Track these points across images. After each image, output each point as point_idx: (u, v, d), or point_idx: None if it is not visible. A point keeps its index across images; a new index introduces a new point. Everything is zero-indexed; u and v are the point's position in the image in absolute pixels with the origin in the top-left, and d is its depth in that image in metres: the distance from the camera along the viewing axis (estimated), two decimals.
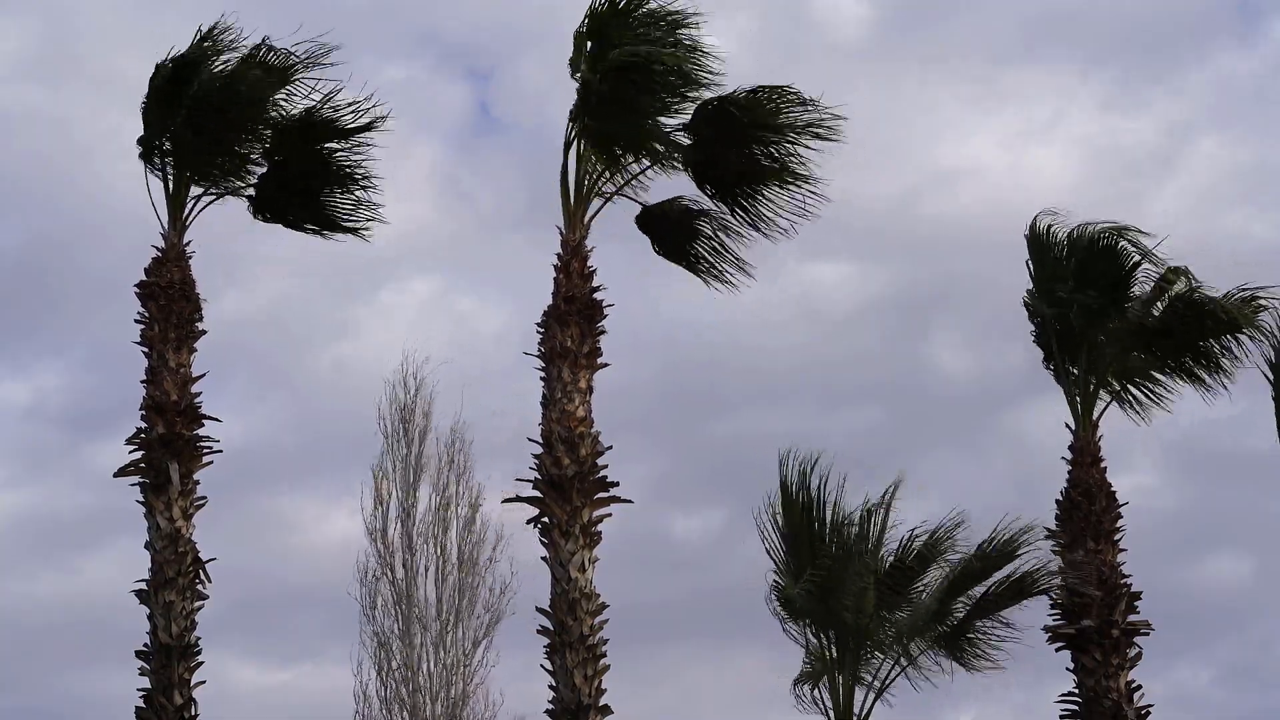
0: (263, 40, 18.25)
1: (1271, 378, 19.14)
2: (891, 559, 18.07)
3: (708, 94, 18.06)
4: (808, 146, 18.27)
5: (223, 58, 18.33)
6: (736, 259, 19.19)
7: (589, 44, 18.02)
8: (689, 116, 18.24)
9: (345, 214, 19.55)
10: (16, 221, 44.01)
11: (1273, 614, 38.22)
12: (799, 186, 18.60)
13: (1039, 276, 19.87)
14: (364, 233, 19.63)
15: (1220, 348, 19.68)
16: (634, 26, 18.02)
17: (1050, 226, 19.81)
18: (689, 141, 18.37)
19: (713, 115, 18.10)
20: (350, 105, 18.66)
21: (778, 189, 18.66)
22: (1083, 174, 43.82)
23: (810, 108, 17.93)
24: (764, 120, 18.11)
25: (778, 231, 18.89)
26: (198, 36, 18.13)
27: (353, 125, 18.84)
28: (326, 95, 18.59)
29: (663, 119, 18.31)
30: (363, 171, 19.23)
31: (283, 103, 18.77)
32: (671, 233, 19.19)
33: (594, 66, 17.86)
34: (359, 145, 19.01)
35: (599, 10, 17.99)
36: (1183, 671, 35.36)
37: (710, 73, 17.96)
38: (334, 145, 19.06)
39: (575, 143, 18.09)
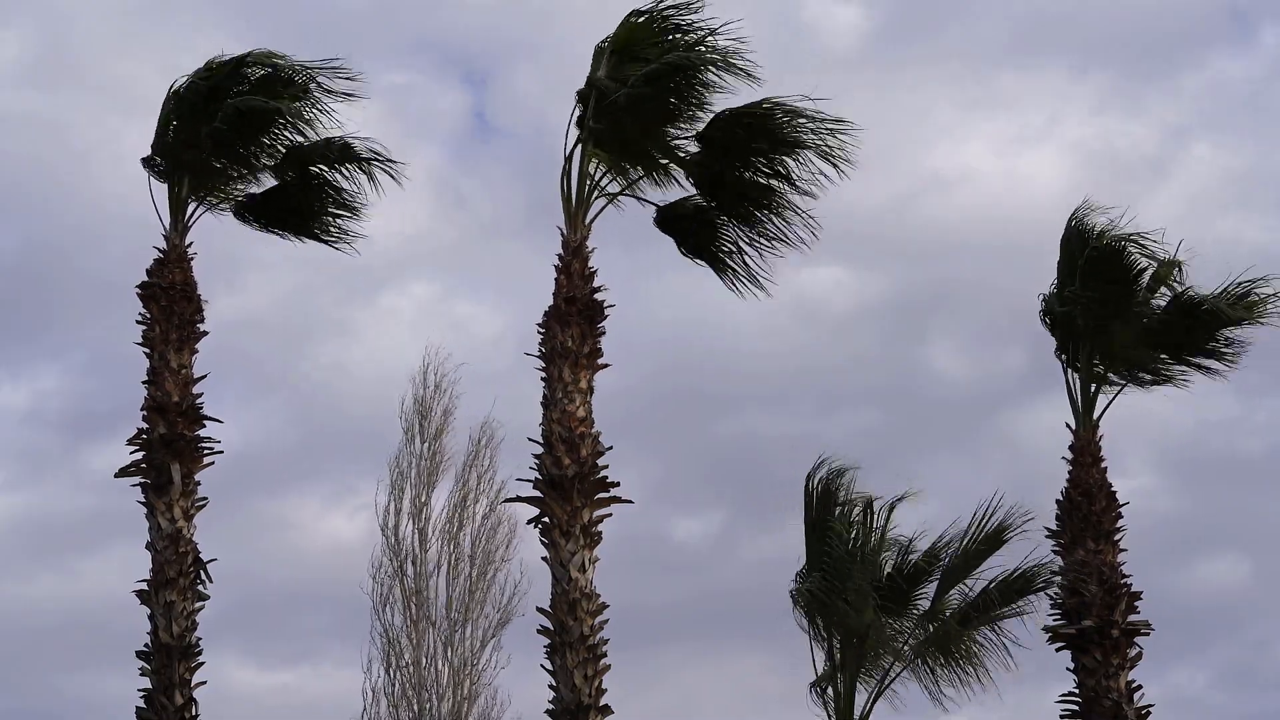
0: (290, 65, 18.45)
1: None
2: (889, 567, 18.12)
3: (723, 104, 18.17)
4: (815, 165, 18.32)
5: (252, 74, 18.48)
6: (755, 262, 19.05)
7: (612, 55, 18.17)
8: (701, 126, 18.32)
9: (327, 232, 19.67)
10: (15, 226, 44.12)
11: (1269, 616, 38.38)
12: (800, 208, 18.68)
13: (1064, 272, 19.85)
14: (341, 246, 19.73)
15: (1219, 345, 19.77)
16: (660, 44, 18.15)
17: (1076, 223, 19.73)
18: (698, 152, 18.46)
19: (725, 126, 18.16)
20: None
21: (781, 207, 18.67)
22: (1077, 178, 43.96)
23: (820, 125, 17.96)
24: (774, 137, 18.15)
25: (778, 249, 18.91)
26: (229, 58, 18.31)
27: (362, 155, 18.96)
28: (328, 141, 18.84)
29: (676, 129, 18.43)
30: (355, 201, 19.39)
31: (297, 117, 18.83)
32: (694, 232, 19.10)
33: (617, 74, 18.02)
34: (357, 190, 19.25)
35: (631, 23, 18.13)
36: (1180, 674, 35.45)
37: (748, 75, 17.90)
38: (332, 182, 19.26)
39: (580, 145, 18.15)
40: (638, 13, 18.17)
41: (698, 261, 19.18)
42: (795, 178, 18.39)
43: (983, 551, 18.29)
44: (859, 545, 18.52)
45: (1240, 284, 19.35)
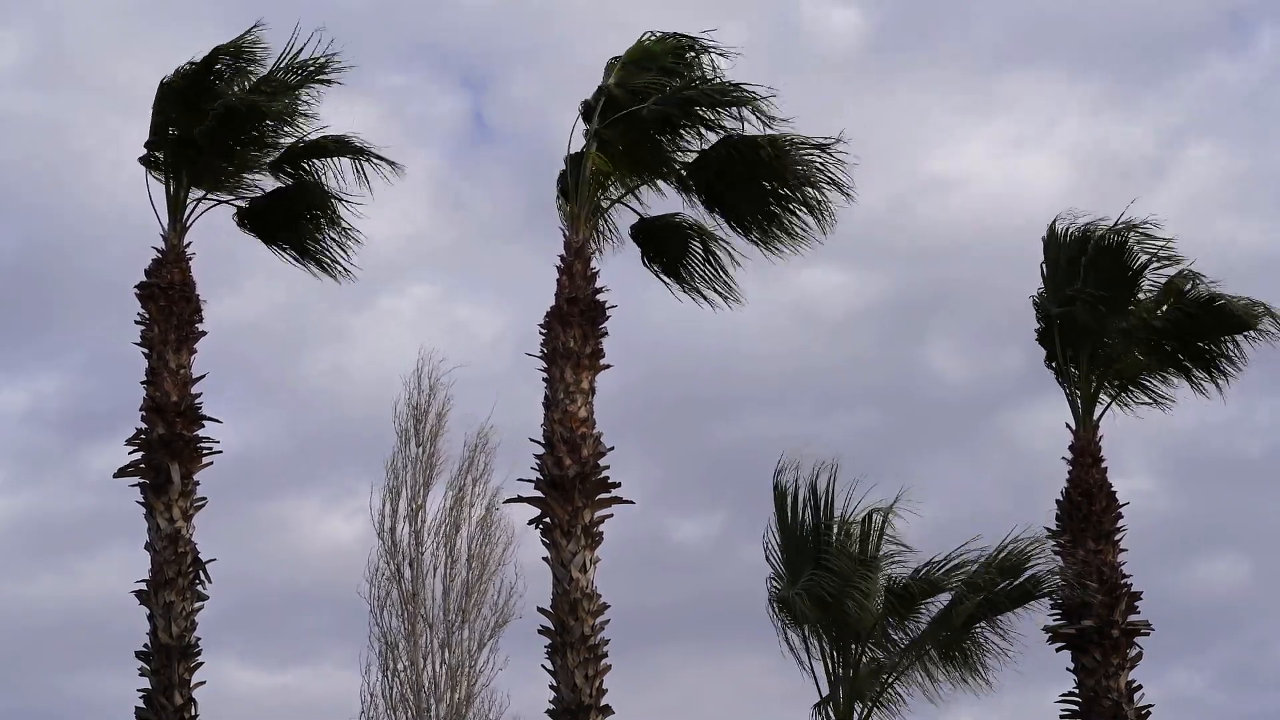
0: (286, 64, 18.46)
1: None
2: (905, 580, 17.95)
3: (733, 118, 18.36)
4: (821, 190, 18.48)
5: (246, 70, 18.49)
6: (726, 280, 19.45)
7: (624, 67, 18.40)
8: (705, 142, 18.60)
9: (321, 251, 19.69)
10: (14, 226, 44.10)
11: (1269, 616, 38.41)
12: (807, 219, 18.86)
13: (1051, 276, 19.90)
14: (335, 272, 19.77)
15: (1222, 349, 19.77)
16: (679, 60, 18.50)
17: (1068, 228, 19.85)
18: (701, 166, 18.66)
19: (735, 148, 18.35)
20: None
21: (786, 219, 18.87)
22: (1074, 180, 43.97)
23: (827, 154, 18.15)
24: (782, 165, 18.32)
25: (783, 252, 19.12)
26: (220, 47, 18.26)
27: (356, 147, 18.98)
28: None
29: (684, 144, 18.69)
30: (345, 219, 19.46)
31: (299, 116, 18.84)
32: (665, 247, 19.43)
33: (627, 83, 18.27)
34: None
35: (642, 46, 18.46)
36: (1179, 674, 35.46)
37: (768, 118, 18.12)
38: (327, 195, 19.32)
39: (585, 148, 18.21)
40: (652, 34, 18.47)
41: (659, 276, 19.51)
42: (795, 200, 18.63)
43: (1000, 579, 18.11)
44: (854, 547, 18.40)
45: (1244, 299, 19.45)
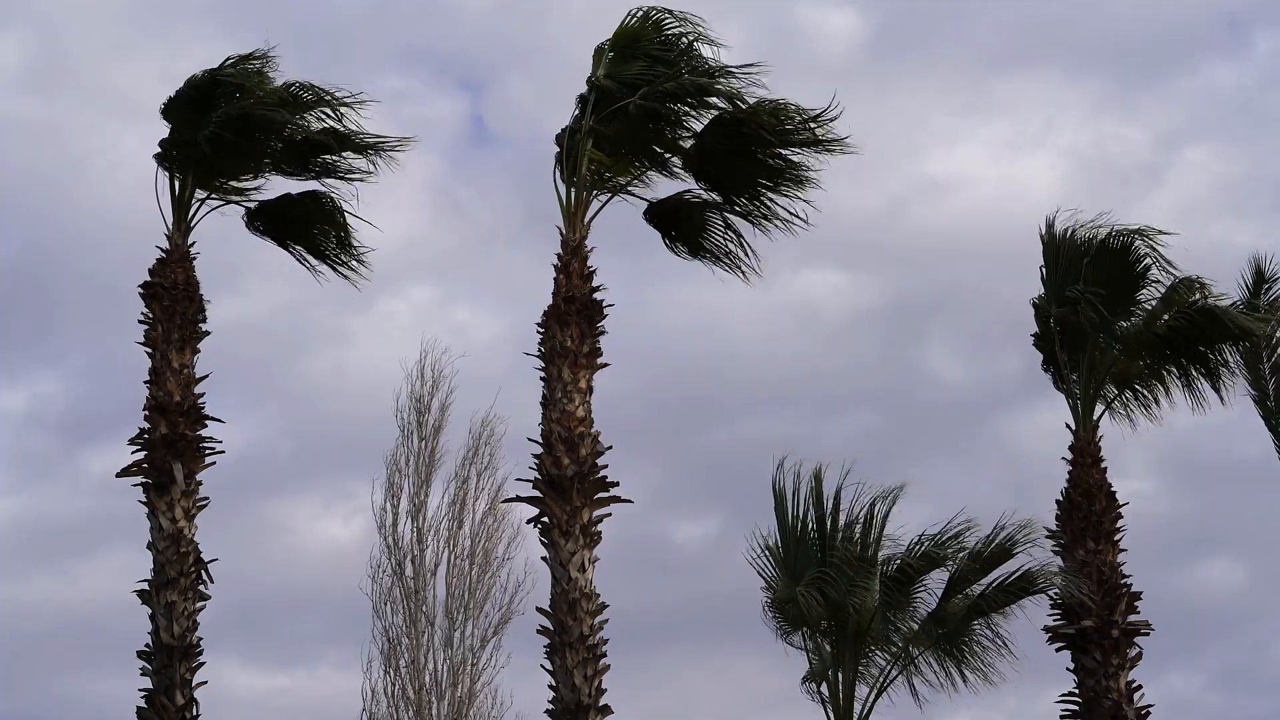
0: (296, 83, 18.60)
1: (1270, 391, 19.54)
2: (899, 561, 18.02)
3: (720, 102, 18.40)
4: (814, 154, 18.53)
5: (257, 80, 18.55)
6: (749, 248, 19.43)
7: (611, 55, 18.43)
8: (699, 125, 18.62)
9: (330, 250, 19.77)
10: (14, 230, 44.16)
11: (1266, 618, 38.42)
12: (799, 191, 18.88)
13: (1050, 276, 19.92)
14: (343, 271, 19.84)
15: (1222, 358, 19.79)
16: (664, 43, 18.48)
17: (1067, 228, 19.87)
18: (697, 150, 18.70)
19: (724, 127, 18.40)
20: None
21: (780, 193, 18.88)
22: (1072, 183, 44.06)
23: (815, 122, 18.20)
24: (772, 132, 18.34)
25: (780, 228, 19.15)
26: (233, 58, 18.38)
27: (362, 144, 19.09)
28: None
29: (677, 131, 18.74)
30: (348, 217, 19.53)
31: (301, 121, 18.90)
32: (683, 225, 19.42)
33: (616, 74, 18.30)
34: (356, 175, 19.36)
35: (630, 21, 18.44)
36: (1176, 676, 35.49)
37: (735, 80, 18.25)
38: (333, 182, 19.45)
39: (579, 144, 18.20)
40: (635, 12, 18.40)
41: (681, 252, 19.50)
42: (792, 169, 18.67)
43: (989, 564, 18.16)
44: (855, 543, 18.43)
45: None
